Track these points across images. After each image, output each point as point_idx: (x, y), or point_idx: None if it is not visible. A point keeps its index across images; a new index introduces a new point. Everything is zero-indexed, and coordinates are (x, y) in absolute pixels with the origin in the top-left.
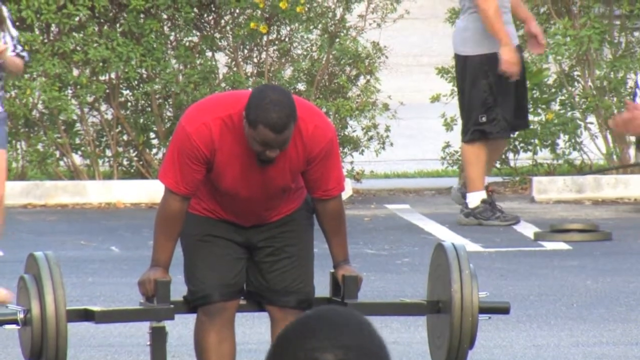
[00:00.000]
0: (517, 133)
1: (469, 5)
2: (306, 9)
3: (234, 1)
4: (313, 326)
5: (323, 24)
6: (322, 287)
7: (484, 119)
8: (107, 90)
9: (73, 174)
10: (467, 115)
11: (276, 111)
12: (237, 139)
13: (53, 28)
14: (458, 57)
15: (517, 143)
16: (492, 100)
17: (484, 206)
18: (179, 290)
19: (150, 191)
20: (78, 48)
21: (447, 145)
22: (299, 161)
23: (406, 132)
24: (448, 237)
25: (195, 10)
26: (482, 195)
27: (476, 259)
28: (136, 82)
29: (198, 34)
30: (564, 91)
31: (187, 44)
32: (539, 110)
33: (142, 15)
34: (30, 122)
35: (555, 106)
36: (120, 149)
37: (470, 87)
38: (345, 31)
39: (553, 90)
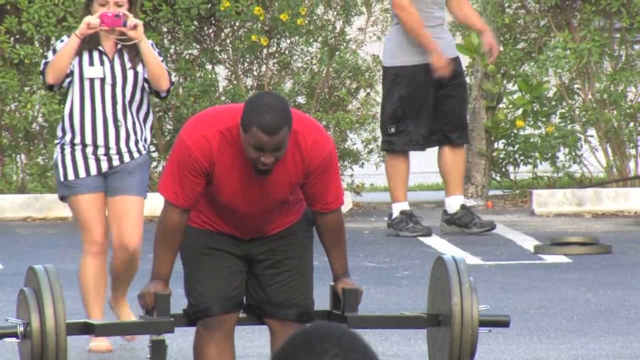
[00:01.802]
0: (517, 146)
1: (393, 15)
2: (306, 21)
3: (234, 14)
4: (316, 341)
5: (323, 36)
6: (322, 300)
7: (392, 130)
8: None
9: None
10: (381, 126)
11: (270, 113)
12: (236, 152)
13: (53, 41)
14: (382, 68)
15: (517, 156)
16: (401, 112)
17: (401, 217)
18: (179, 303)
19: (150, 204)
20: None
21: None
22: (297, 174)
23: None
24: (448, 250)
25: (195, 23)
26: (403, 206)
27: (476, 272)
28: None
29: (198, 47)
30: (564, 104)
31: (187, 57)
32: (539, 124)
33: None
34: (31, 135)
35: (556, 119)
36: None
37: (384, 98)
38: (345, 44)
39: (553, 103)
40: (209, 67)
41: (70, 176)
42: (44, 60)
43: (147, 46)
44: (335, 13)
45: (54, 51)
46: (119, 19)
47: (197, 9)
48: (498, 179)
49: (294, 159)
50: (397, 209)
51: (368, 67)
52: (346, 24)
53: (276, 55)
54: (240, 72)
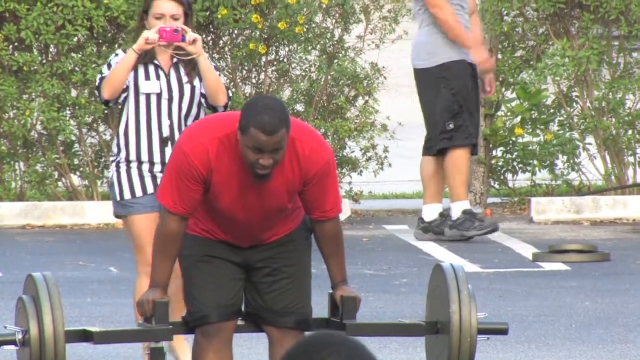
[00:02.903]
0: (515, 154)
1: (422, 19)
2: (305, 29)
3: (232, 22)
4: (315, 350)
5: (322, 44)
6: (320, 308)
7: (451, 126)
8: (106, 111)
9: (72, 194)
10: (434, 127)
11: (268, 114)
12: (234, 159)
13: (52, 49)
14: (416, 72)
15: (515, 164)
16: (457, 107)
17: (464, 217)
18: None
19: None
20: (77, 69)
21: None
22: (295, 182)
23: (405, 153)
24: (447, 258)
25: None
26: (465, 205)
27: (475, 280)
28: None
29: None
30: (563, 112)
31: None
32: (538, 131)
33: None
34: (29, 143)
35: (554, 127)
36: None
37: (433, 98)
38: (344, 52)
39: (552, 111)
40: None
41: (127, 195)
42: (99, 76)
43: (205, 61)
44: (334, 21)
45: (109, 66)
46: (178, 34)
47: (195, 17)
48: (497, 186)
49: (292, 167)
50: (459, 208)
51: (367, 75)
52: (345, 32)
53: (275, 63)
54: (239, 80)
